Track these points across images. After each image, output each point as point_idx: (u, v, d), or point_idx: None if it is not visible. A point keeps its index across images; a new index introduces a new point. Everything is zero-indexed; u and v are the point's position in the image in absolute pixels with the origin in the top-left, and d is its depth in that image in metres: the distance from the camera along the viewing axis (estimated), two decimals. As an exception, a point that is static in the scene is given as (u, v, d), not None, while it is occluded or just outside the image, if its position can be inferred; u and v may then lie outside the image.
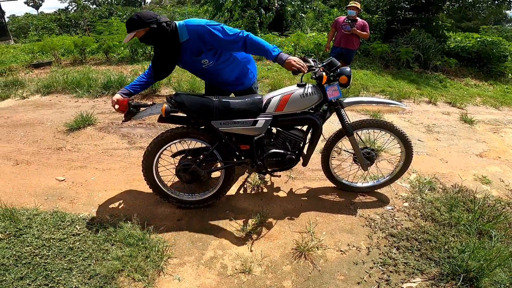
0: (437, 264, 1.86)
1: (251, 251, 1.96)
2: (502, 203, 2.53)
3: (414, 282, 1.74)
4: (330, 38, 5.27)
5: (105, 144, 3.13)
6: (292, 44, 7.30)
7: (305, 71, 1.91)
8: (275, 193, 2.51)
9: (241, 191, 2.51)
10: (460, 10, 9.74)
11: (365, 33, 4.80)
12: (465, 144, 3.69)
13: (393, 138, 2.34)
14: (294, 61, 1.89)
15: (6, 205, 2.11)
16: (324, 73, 1.94)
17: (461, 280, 1.71)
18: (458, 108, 5.03)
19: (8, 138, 3.28)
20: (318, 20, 10.24)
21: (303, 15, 9.67)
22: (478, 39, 8.18)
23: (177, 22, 1.96)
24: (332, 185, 2.58)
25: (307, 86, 2.04)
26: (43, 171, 2.70)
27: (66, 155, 2.96)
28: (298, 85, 2.06)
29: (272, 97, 2.01)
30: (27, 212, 2.13)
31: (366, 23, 4.88)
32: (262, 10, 8.43)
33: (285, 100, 1.99)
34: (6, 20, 13.47)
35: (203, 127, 2.07)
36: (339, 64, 2.02)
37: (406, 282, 1.74)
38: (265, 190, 2.55)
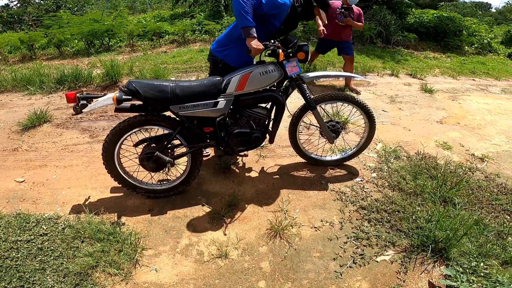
0: (407, 235, 1.93)
1: (226, 235, 1.95)
2: (463, 168, 2.69)
3: (387, 255, 1.81)
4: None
5: (65, 140, 2.94)
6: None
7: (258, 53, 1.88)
8: (246, 174, 2.50)
9: (213, 175, 2.47)
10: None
11: (360, 23, 4.01)
12: (426, 112, 3.87)
13: (356, 110, 2.39)
14: (252, 46, 1.85)
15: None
16: (280, 50, 1.92)
17: (430, 251, 1.79)
18: (418, 79, 5.24)
19: (-47, 144, 2.98)
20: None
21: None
22: (435, 15, 8.51)
23: None
24: (303, 160, 2.62)
25: (266, 63, 2.01)
26: (0, 174, 2.50)
27: (23, 156, 2.74)
28: (258, 63, 2.03)
29: (232, 77, 1.96)
30: (-11, 217, 1.97)
31: (361, 11, 4.11)
32: (226, -8, 8.17)
33: (245, 79, 1.95)
34: None
35: (163, 113, 1.99)
36: (296, 40, 2.00)
37: (379, 255, 1.81)
38: (236, 171, 2.53)
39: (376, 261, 1.78)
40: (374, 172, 2.57)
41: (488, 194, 2.39)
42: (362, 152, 2.73)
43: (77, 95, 1.83)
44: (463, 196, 2.30)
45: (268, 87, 2.08)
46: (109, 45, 6.60)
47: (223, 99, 1.95)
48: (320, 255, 1.82)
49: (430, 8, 11.45)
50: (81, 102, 1.83)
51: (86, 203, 2.16)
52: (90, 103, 1.87)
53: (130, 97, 1.80)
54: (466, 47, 8.27)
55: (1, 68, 5.63)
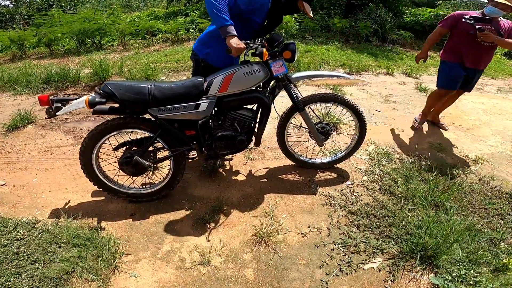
0: (396, 242, 1.86)
1: (209, 241, 1.88)
2: (456, 170, 2.62)
3: (375, 263, 1.75)
4: (431, 43, 3.03)
5: (48, 142, 2.85)
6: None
7: (239, 53, 1.78)
8: (233, 177, 2.43)
9: (198, 178, 2.40)
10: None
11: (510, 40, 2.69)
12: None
13: (346, 111, 2.32)
14: (232, 44, 1.76)
15: None
16: (264, 49, 1.84)
17: (418, 259, 1.72)
18: (413, 78, 5.18)
19: None
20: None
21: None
22: (432, 13, 8.45)
23: None
24: (292, 163, 2.55)
25: (251, 63, 1.94)
26: (-22, 178, 2.42)
27: (5, 158, 2.66)
28: (242, 63, 1.95)
29: (215, 78, 1.89)
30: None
31: None
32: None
33: (228, 80, 1.87)
34: None
35: (142, 115, 1.91)
36: (282, 38, 1.93)
37: (367, 263, 1.74)
38: (223, 174, 2.46)
39: (363, 269, 1.72)
40: (365, 175, 2.50)
41: (482, 197, 2.34)
42: (354, 154, 2.66)
43: (50, 97, 1.76)
44: (455, 200, 2.24)
45: (253, 88, 2.00)
46: (101, 44, 6.50)
47: (205, 101, 1.88)
48: (306, 263, 1.76)
49: (428, 6, 11.40)
50: (55, 105, 1.76)
51: (66, 207, 2.08)
52: (64, 106, 1.79)
53: (104, 100, 1.72)
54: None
55: (-10, 67, 5.53)
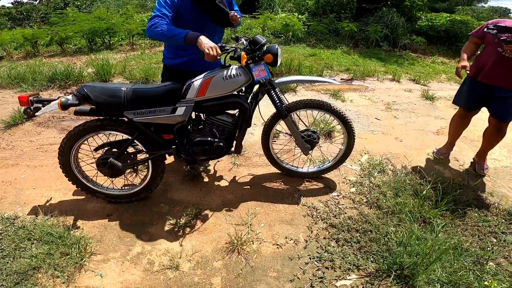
0: (375, 259, 1.77)
1: (182, 246, 1.85)
2: (453, 185, 2.48)
3: (348, 280, 1.67)
4: (468, 55, 2.51)
5: (41, 139, 2.92)
6: (261, 25, 7.07)
7: (213, 56, 1.69)
8: (216, 182, 2.39)
9: (180, 182, 2.38)
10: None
11: None
12: (423, 122, 3.65)
13: (333, 119, 2.24)
14: (203, 47, 1.69)
15: None
16: (242, 52, 1.79)
17: (391, 277, 1.63)
18: (421, 85, 4.99)
19: None
20: (290, 1, 9.95)
21: (275, -5, 9.39)
22: (448, 18, 8.16)
23: None
24: (278, 171, 2.49)
25: (231, 67, 1.89)
26: (-29, 172, 2.50)
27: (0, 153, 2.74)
28: (221, 67, 1.91)
29: (193, 82, 1.86)
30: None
31: None
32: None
33: (206, 84, 1.84)
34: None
35: (119, 118, 1.91)
36: (264, 41, 1.87)
37: (340, 280, 1.67)
38: (206, 179, 2.43)
39: (335, 285, 1.64)
40: (353, 186, 2.41)
41: (476, 214, 2.20)
42: (345, 164, 2.58)
43: (30, 98, 1.78)
44: (446, 217, 2.12)
45: (234, 93, 1.96)
46: (110, 44, 6.63)
47: (182, 105, 1.85)
48: (276, 275, 1.70)
49: (447, 12, 11.04)
50: (35, 105, 1.78)
51: (47, 204, 2.11)
52: (44, 107, 1.81)
53: (77, 102, 1.72)
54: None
55: (4, 64, 5.75)
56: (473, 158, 2.83)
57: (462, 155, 3.01)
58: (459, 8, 13.90)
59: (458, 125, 2.84)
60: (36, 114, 1.77)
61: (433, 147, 3.05)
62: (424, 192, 2.25)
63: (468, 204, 2.29)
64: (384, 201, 2.23)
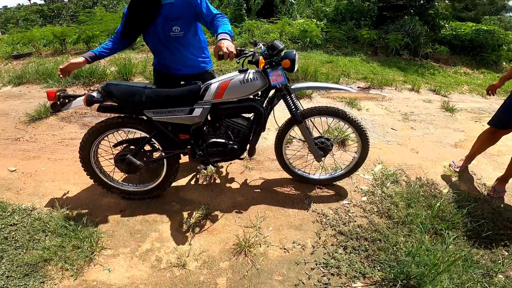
0: (382, 267, 1.75)
1: (190, 245, 1.89)
2: (468, 198, 2.41)
3: (353, 287, 1.65)
4: (505, 78, 2.59)
5: (63, 134, 3.05)
6: (278, 30, 7.11)
7: (229, 57, 1.73)
8: (227, 184, 2.42)
9: (193, 182, 2.42)
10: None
11: None
12: (441, 134, 3.56)
13: (347, 127, 2.23)
14: (221, 46, 1.73)
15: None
16: (261, 57, 1.82)
17: (397, 287, 1.60)
18: (441, 96, 4.87)
19: (-32, 129, 3.20)
20: (309, 7, 9.95)
21: (293, 1, 9.40)
22: (473, 28, 7.93)
23: None
24: (290, 176, 2.49)
25: (248, 71, 1.92)
26: (-3, 161, 2.64)
27: (23, 146, 2.88)
28: (239, 71, 1.94)
29: (211, 84, 1.90)
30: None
31: None
32: (250, -4, 8.22)
33: (223, 87, 1.88)
34: (-1, 12, 13.38)
35: (140, 116, 1.98)
36: (282, 47, 1.89)
37: (345, 287, 1.65)
38: (218, 181, 2.46)
39: (340, 293, 1.63)
40: (365, 195, 2.38)
41: (490, 227, 2.13)
42: (357, 173, 2.55)
43: (57, 93, 1.87)
44: (459, 229, 2.06)
45: (250, 97, 1.99)
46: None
47: (199, 106, 1.90)
48: (281, 279, 1.70)
49: (473, 22, 10.73)
50: (61, 100, 1.87)
51: (64, 197, 2.20)
52: (70, 102, 1.89)
53: (101, 99, 1.80)
54: (504, 63, 7.60)
55: (33, 60, 6.04)
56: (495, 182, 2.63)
57: (480, 169, 2.91)
58: (486, 18, 13.49)
59: (485, 142, 2.73)
60: (62, 109, 1.85)
61: (450, 160, 2.97)
62: (438, 204, 2.20)
63: (483, 217, 2.22)
64: (396, 211, 2.19)
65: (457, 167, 2.83)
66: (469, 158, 2.85)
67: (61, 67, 1.87)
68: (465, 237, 2.01)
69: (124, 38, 2.03)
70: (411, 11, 8.27)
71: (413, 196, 2.33)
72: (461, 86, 5.58)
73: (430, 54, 7.19)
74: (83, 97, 1.81)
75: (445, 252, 1.76)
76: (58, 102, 1.86)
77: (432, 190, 2.46)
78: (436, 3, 8.65)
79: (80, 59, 1.88)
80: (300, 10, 9.47)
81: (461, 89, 5.41)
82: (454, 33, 7.99)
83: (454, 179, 2.71)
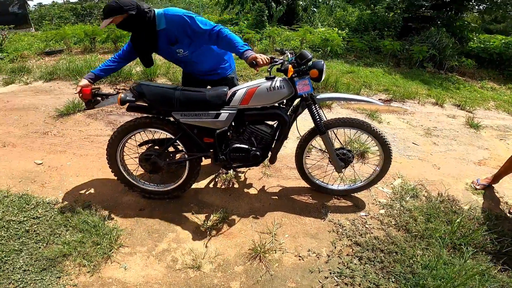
0: (396, 280, 1.72)
1: (206, 247, 1.91)
2: (489, 216, 2.34)
3: None
4: None
5: (89, 130, 3.17)
6: (299, 38, 7.12)
7: (264, 64, 1.81)
8: (245, 190, 2.44)
9: (211, 185, 2.46)
10: (488, 11, 9.15)
11: None
12: (464, 150, 3.45)
13: (370, 139, 2.20)
14: (257, 56, 1.81)
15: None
16: (290, 65, 1.84)
17: None
18: (466, 111, 4.72)
19: (1, 121, 3.39)
20: (330, 16, 9.92)
21: (315, 9, 9.41)
22: (503, 41, 7.66)
23: (156, 10, 1.94)
24: (308, 185, 2.48)
25: (275, 79, 1.95)
26: (25, 154, 2.77)
27: (50, 140, 3.01)
28: (267, 78, 1.97)
29: (238, 90, 1.94)
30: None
31: None
32: (272, 3, 8.28)
33: (250, 94, 1.91)
34: (33, 8, 14.08)
35: (167, 117, 2.03)
36: (310, 56, 1.90)
37: None
38: (236, 185, 2.48)
39: (354, 304, 1.61)
40: (383, 208, 2.34)
41: (509, 244, 2.05)
42: (376, 186, 2.52)
43: (93, 91, 1.95)
44: (477, 245, 2.00)
45: (275, 104, 2.01)
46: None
47: (225, 111, 1.94)
48: (295, 286, 1.70)
49: (502, 34, 10.37)
50: (96, 98, 1.95)
51: (86, 193, 2.28)
52: (103, 100, 1.98)
53: (134, 99, 1.86)
54: None
55: (64, 57, 6.31)
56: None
57: (503, 188, 2.80)
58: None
59: None
60: (96, 106, 1.94)
61: (473, 178, 2.88)
62: (458, 220, 2.14)
63: (503, 234, 2.14)
64: (414, 225, 2.15)
65: (478, 185, 2.74)
66: (496, 177, 2.75)
67: (75, 93, 1.99)
68: (483, 253, 1.96)
69: (126, 60, 2.14)
70: (438, 22, 8.10)
71: (433, 211, 2.28)
72: (487, 101, 5.39)
73: (456, 67, 6.99)
74: (117, 96, 1.88)
75: (463, 266, 1.72)
76: (93, 100, 1.94)
77: (453, 206, 2.39)
78: (465, 15, 8.44)
79: (84, 81, 1.98)
80: (321, 19, 9.46)
81: (487, 105, 5.23)
82: (482, 45, 7.74)
83: (476, 196, 2.62)
